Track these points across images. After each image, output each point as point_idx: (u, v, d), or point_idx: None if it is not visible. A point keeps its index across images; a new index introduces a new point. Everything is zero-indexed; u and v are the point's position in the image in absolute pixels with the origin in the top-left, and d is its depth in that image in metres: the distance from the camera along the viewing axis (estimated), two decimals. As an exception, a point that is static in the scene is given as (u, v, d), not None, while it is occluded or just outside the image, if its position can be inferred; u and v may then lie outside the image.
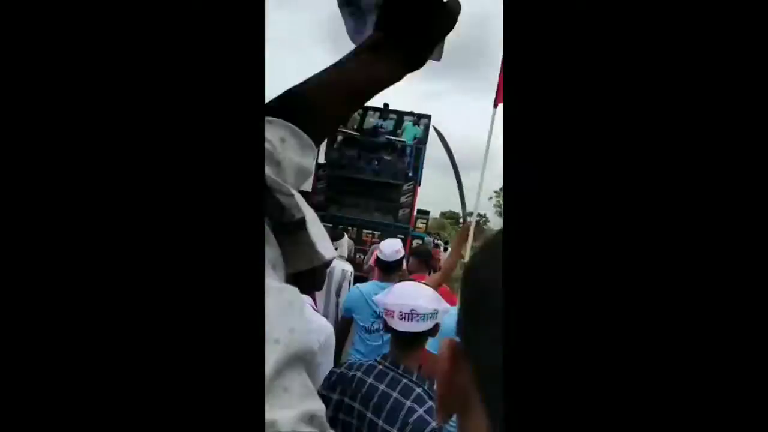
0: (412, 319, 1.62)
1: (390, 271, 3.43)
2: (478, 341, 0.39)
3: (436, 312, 1.67)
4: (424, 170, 9.46)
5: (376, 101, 9.52)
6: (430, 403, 1.47)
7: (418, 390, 1.52)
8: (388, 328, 1.71)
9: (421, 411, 1.44)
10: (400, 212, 8.78)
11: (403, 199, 8.78)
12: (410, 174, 8.86)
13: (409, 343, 1.67)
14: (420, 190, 9.24)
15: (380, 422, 1.46)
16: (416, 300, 1.65)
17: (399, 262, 3.52)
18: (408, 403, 1.46)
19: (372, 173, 8.83)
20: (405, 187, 8.76)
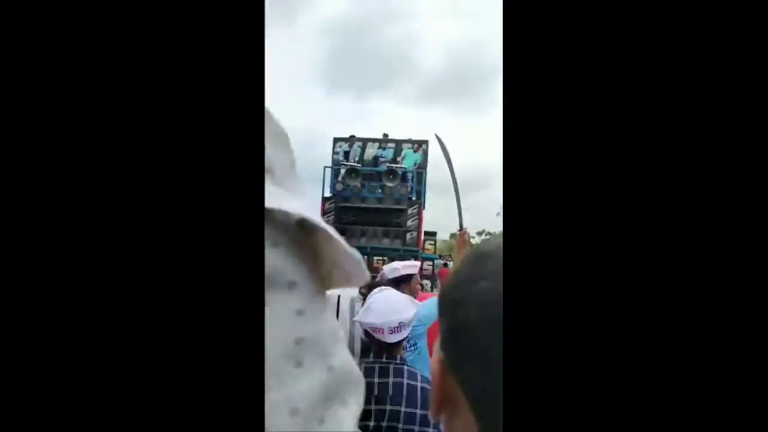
0: (401, 330, 1.83)
1: (399, 286, 3.62)
2: (461, 367, 0.41)
3: (415, 313, 1.92)
4: (429, 195, 9.75)
5: (376, 132, 9.92)
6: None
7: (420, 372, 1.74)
8: (375, 341, 1.88)
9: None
10: (408, 236, 8.99)
11: (409, 222, 9.01)
12: (414, 198, 9.12)
13: (399, 343, 1.90)
14: (426, 213, 9.50)
15: (402, 408, 1.65)
16: (400, 313, 1.85)
17: (403, 276, 3.70)
18: (419, 384, 1.66)
19: (376, 200, 9.10)
20: (410, 211, 9.00)
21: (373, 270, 8.38)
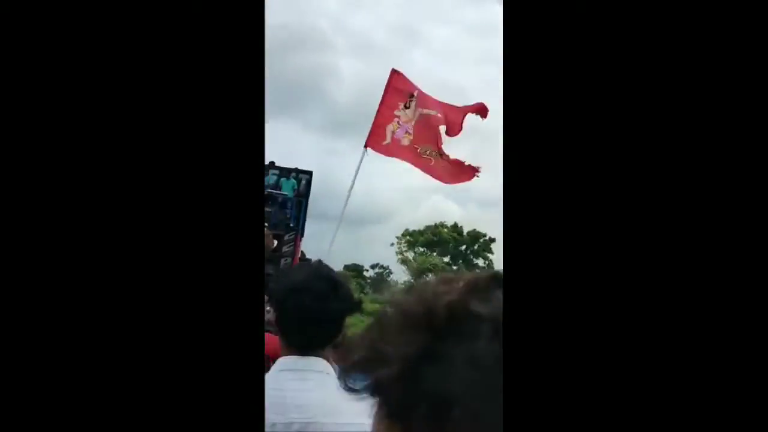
0: None
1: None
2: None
3: None
4: (325, 226, 10.03)
5: (277, 156, 10.12)
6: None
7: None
8: None
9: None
10: (282, 261, 9.18)
11: (284, 248, 9.22)
12: (291, 225, 9.39)
13: None
14: (306, 242, 9.78)
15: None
16: None
17: None
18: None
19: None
20: (286, 237, 9.24)
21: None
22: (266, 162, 10.16)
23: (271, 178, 10.18)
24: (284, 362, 0.86)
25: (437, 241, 34.94)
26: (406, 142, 3.73)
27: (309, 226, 9.74)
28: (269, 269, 8.97)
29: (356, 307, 0.97)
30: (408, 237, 35.59)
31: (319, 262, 1.14)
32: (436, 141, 3.81)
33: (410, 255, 34.98)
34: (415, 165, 3.78)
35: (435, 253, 34.64)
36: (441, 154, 3.82)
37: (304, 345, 0.90)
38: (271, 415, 0.80)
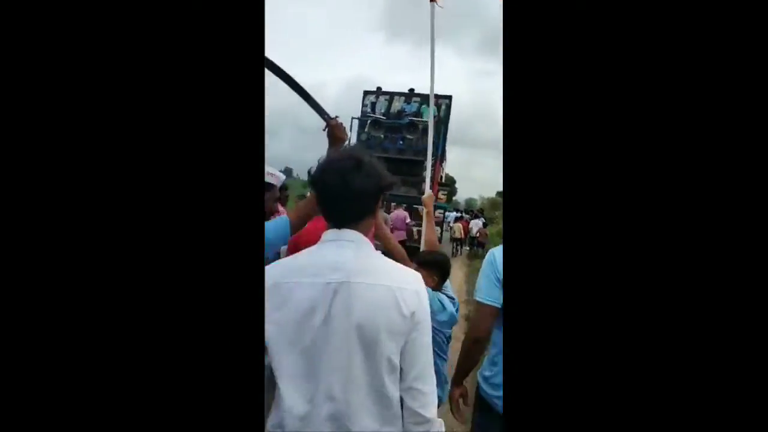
0: None
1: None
2: None
3: None
4: (476, 153, 10.17)
5: (404, 86, 10.51)
6: None
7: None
8: None
9: None
10: (423, 185, 9.75)
11: (424, 174, 9.73)
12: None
13: None
14: (447, 166, 10.05)
15: None
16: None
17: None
18: None
19: (397, 151, 9.89)
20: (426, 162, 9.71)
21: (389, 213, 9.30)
22: (407, 90, 10.54)
23: (413, 106, 10.60)
24: (325, 235, 1.04)
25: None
26: None
27: (458, 152, 9.91)
28: (413, 193, 9.74)
29: (385, 185, 1.02)
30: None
31: (353, 146, 1.28)
32: None
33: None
34: None
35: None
36: None
37: (336, 219, 1.01)
38: (312, 277, 0.95)
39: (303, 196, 2.67)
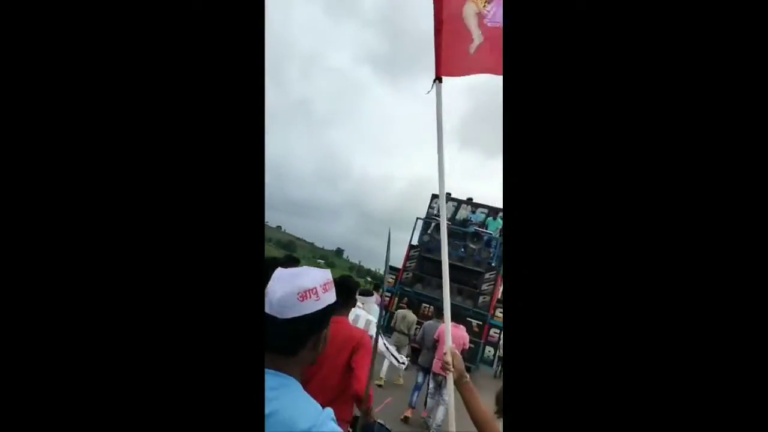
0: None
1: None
2: None
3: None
4: None
5: (463, 194, 10.61)
6: None
7: None
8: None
9: None
10: (480, 298, 9.31)
11: (484, 286, 9.35)
12: (493, 264, 9.47)
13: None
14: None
15: None
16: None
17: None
18: None
19: (457, 259, 9.67)
20: (487, 275, 9.36)
21: (422, 317, 8.72)
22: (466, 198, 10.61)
23: (479, 216, 10.55)
24: None
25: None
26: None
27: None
28: (468, 304, 9.29)
29: None
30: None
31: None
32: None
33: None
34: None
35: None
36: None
37: None
38: None
39: (346, 276, 2.57)
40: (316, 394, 2.14)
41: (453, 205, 10.51)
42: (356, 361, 2.05)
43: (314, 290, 0.91)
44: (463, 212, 10.82)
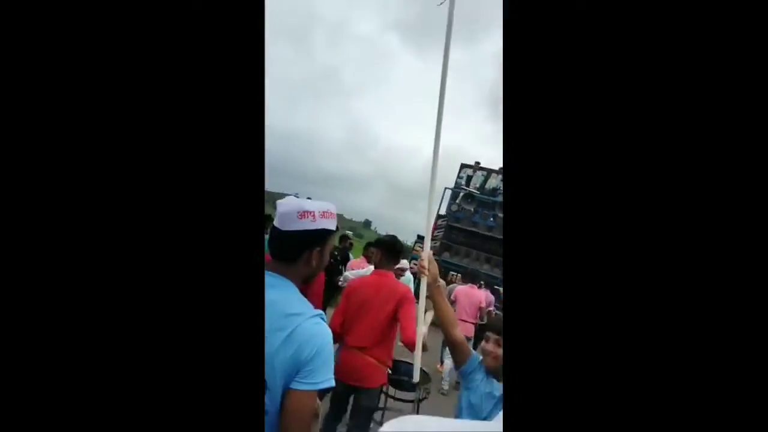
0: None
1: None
2: None
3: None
4: None
5: (493, 163, 10.51)
6: None
7: None
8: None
9: None
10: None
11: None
12: (522, 233, 9.44)
13: None
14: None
15: None
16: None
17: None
18: None
19: (486, 228, 9.69)
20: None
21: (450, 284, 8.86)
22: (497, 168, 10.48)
23: (508, 185, 10.46)
24: None
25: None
26: None
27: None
28: (495, 272, 9.35)
29: None
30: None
31: None
32: None
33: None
34: None
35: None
36: None
37: None
38: None
39: (392, 236, 2.76)
40: (363, 336, 2.40)
41: (482, 174, 10.41)
42: (402, 314, 2.34)
43: (312, 213, 1.14)
44: (493, 181, 10.69)
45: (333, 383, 1.08)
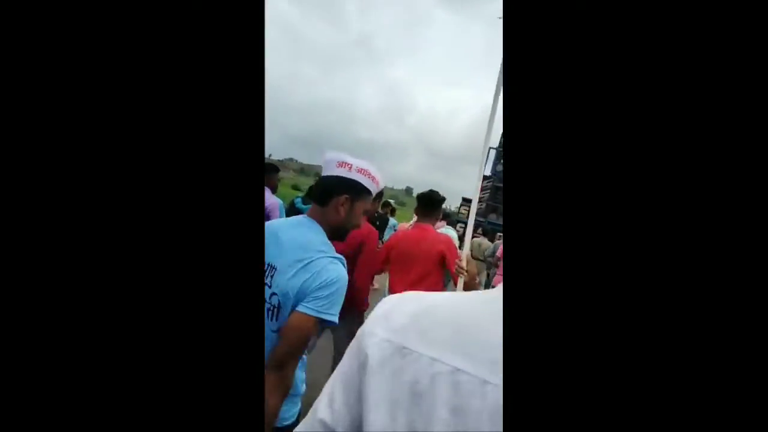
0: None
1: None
2: None
3: None
4: None
5: None
6: None
7: None
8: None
9: None
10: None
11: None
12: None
13: None
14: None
15: None
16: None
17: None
18: None
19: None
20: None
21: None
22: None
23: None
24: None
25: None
26: None
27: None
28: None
29: None
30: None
31: None
32: None
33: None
34: None
35: None
36: None
37: None
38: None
39: (432, 191, 2.85)
40: (416, 281, 2.45)
41: (528, 132, 10.07)
42: (447, 264, 2.43)
43: (350, 165, 1.26)
44: (539, 138, 10.36)
45: (336, 320, 1.17)
